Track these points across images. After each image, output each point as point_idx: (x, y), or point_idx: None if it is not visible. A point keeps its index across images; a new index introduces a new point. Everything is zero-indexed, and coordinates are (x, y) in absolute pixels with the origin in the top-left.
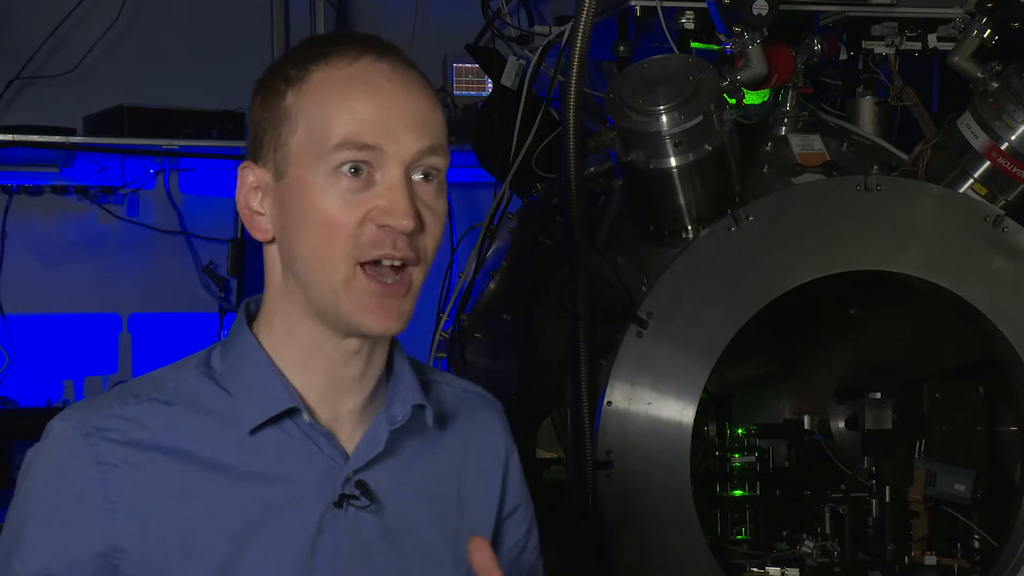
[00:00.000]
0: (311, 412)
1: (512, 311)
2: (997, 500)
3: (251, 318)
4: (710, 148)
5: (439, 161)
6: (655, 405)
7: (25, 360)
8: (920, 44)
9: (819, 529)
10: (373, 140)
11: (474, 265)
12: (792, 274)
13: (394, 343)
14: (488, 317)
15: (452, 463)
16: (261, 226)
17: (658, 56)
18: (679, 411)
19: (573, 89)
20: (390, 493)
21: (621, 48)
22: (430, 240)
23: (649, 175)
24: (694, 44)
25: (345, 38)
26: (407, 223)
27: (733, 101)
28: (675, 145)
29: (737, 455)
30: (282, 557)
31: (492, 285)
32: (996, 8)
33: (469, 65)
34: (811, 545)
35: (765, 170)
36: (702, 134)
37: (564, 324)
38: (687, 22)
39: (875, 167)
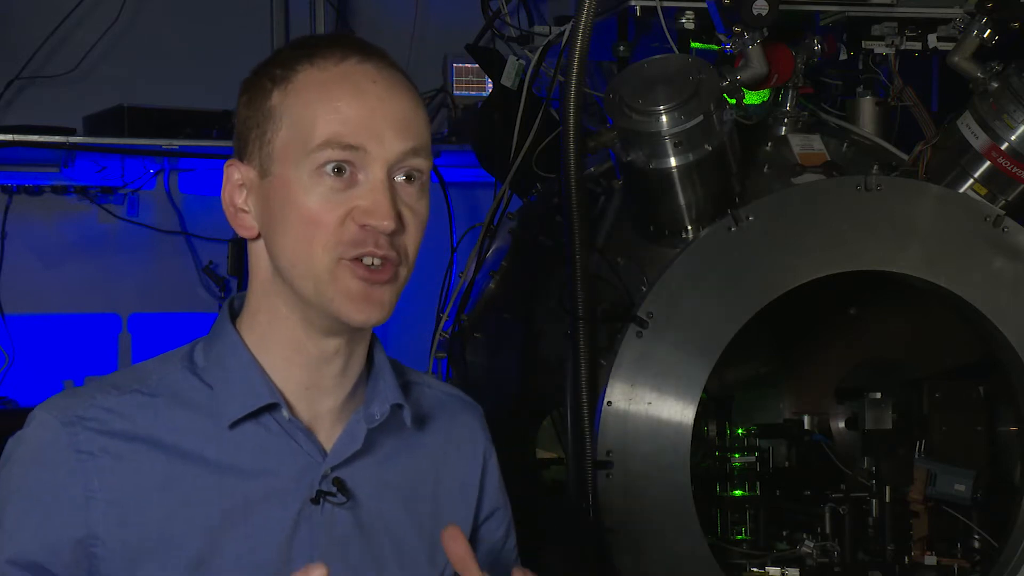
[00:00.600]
0: (291, 408)
1: (512, 311)
2: (997, 500)
3: (234, 314)
4: (710, 148)
5: (422, 163)
6: (655, 405)
7: (25, 360)
8: (920, 44)
9: (819, 529)
10: (357, 140)
11: (474, 265)
12: (792, 274)
13: (375, 342)
14: (488, 317)
15: (430, 464)
16: (246, 223)
17: (658, 56)
18: (679, 411)
19: (573, 89)
20: (367, 491)
21: (621, 48)
22: (411, 241)
23: (649, 175)
24: (694, 44)
25: (331, 39)
26: (388, 223)
27: (733, 101)
28: (675, 145)
29: (737, 455)
30: (259, 550)
31: (492, 285)
32: (996, 8)
33: (469, 65)
34: (811, 545)
35: (765, 170)
36: (702, 134)
37: (564, 324)
38: (687, 22)
39: (875, 167)
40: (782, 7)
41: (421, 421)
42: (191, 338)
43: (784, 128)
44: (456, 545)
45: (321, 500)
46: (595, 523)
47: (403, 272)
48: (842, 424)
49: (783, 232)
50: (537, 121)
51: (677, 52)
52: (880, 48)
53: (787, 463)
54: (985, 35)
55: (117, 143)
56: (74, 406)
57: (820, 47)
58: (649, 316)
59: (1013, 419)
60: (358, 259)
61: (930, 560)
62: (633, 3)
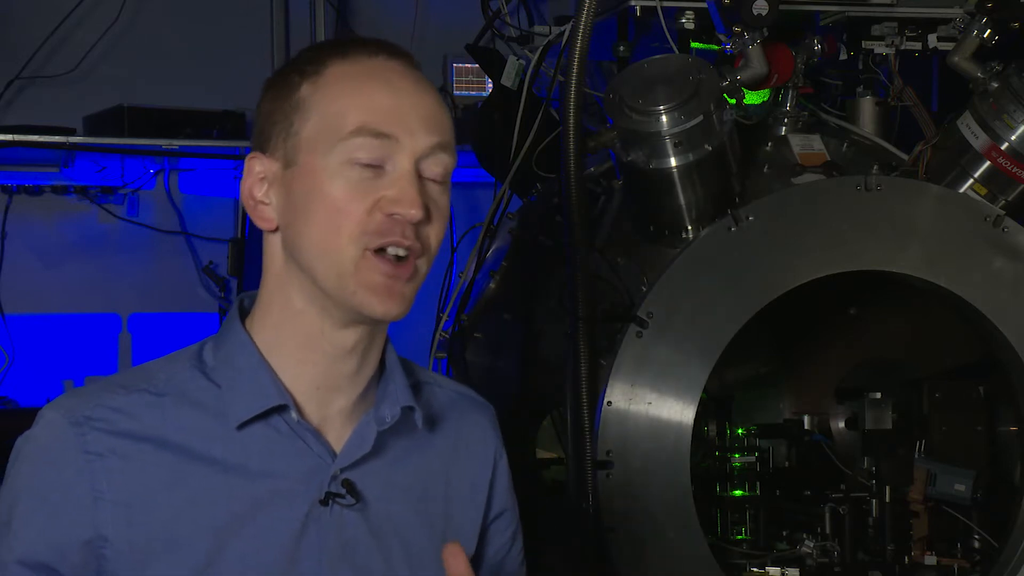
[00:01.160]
0: (300, 409)
1: (512, 311)
2: (997, 500)
3: (244, 313)
4: (710, 148)
5: (447, 159)
6: (655, 405)
7: (25, 360)
8: (920, 44)
9: (819, 529)
10: (388, 128)
11: (474, 265)
12: (792, 274)
13: (387, 343)
14: (488, 317)
15: (440, 464)
16: (265, 215)
17: (658, 56)
18: (679, 411)
19: (573, 89)
20: (376, 493)
21: (621, 48)
22: (434, 234)
23: (649, 175)
24: (694, 44)
25: (360, 39)
26: (415, 212)
27: (733, 101)
28: (675, 145)
29: (737, 455)
30: (266, 552)
31: (492, 285)
32: (996, 8)
33: (469, 65)
34: (811, 545)
35: (765, 170)
36: (702, 134)
37: (564, 324)
38: (687, 22)
39: (875, 167)
40: (782, 7)
41: (432, 422)
42: (191, 338)
43: (784, 128)
44: (456, 562)
45: (330, 502)
46: (595, 523)
47: (423, 266)
48: (842, 424)
49: (783, 232)
50: (537, 121)
51: (677, 52)
52: (880, 48)
53: (787, 463)
54: (985, 35)
55: (117, 143)
56: (81, 406)
57: (820, 47)
58: (649, 316)
59: (1013, 419)
60: (382, 250)
61: (930, 560)
62: (633, 3)
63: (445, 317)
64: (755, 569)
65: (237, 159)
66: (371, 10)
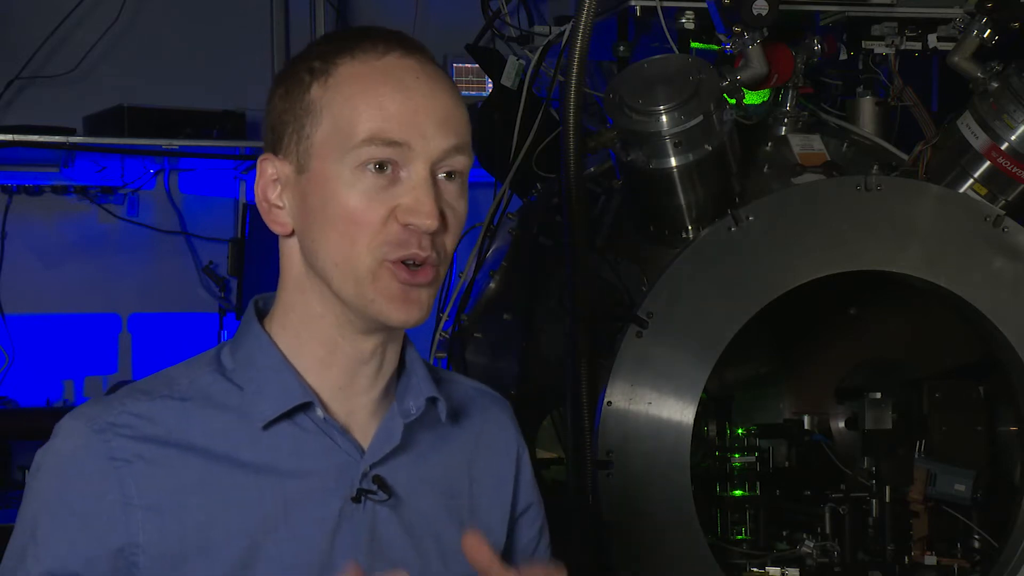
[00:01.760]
0: (324, 407)
1: (512, 311)
2: (997, 500)
3: (260, 314)
4: (710, 148)
5: (463, 161)
6: (655, 405)
7: (25, 360)
8: (920, 44)
9: (819, 529)
10: (401, 136)
11: (474, 265)
12: (792, 274)
13: (406, 340)
14: (488, 317)
15: (464, 459)
16: (280, 219)
17: (658, 56)
18: (679, 411)
19: (573, 89)
20: (406, 488)
21: (621, 48)
22: (450, 240)
23: (649, 175)
24: (694, 44)
25: (372, 32)
26: (432, 222)
27: (733, 101)
28: (675, 145)
29: (737, 455)
30: (300, 552)
31: (492, 285)
32: (996, 8)
33: (469, 65)
34: (811, 545)
35: (765, 170)
36: (702, 134)
37: (564, 324)
38: (687, 22)
39: (875, 167)
40: (782, 7)
41: (455, 415)
42: (191, 338)
43: (784, 128)
44: (479, 553)
45: (362, 498)
46: (595, 523)
47: (442, 271)
48: (842, 424)
49: (783, 232)
50: (537, 121)
51: (677, 52)
52: (880, 48)
53: (787, 463)
54: (985, 35)
55: (117, 143)
56: (104, 414)
57: (820, 47)
58: (649, 316)
59: (1013, 419)
60: (400, 261)
61: (930, 560)
62: (633, 3)
63: (445, 317)
64: (755, 569)
65: (237, 159)
66: (371, 10)
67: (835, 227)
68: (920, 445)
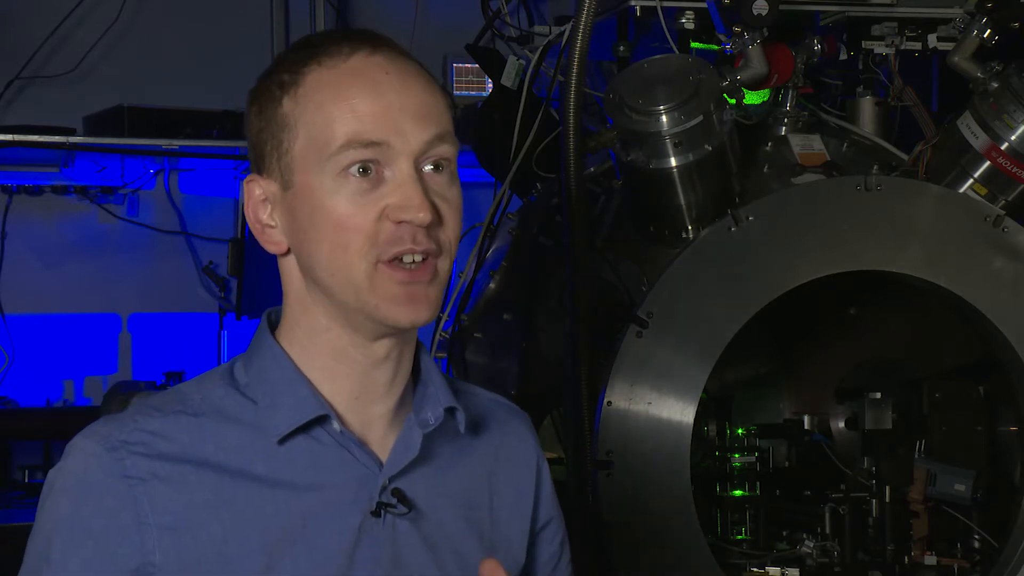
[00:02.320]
0: (340, 419)
1: (512, 311)
2: (997, 500)
3: (272, 327)
4: (710, 148)
5: (447, 150)
6: (655, 405)
7: (25, 360)
8: (920, 44)
9: (819, 529)
10: (378, 136)
11: (474, 265)
12: (792, 274)
13: (420, 347)
14: (488, 317)
15: (484, 472)
16: (274, 239)
17: (658, 56)
18: (679, 411)
19: (573, 89)
20: (426, 501)
21: (621, 48)
22: (450, 231)
23: (649, 175)
24: (694, 44)
25: (335, 35)
26: (424, 215)
27: (733, 101)
28: (675, 145)
29: (737, 455)
30: (319, 567)
31: (492, 285)
32: (996, 8)
33: (469, 65)
34: (811, 545)
35: (765, 170)
36: (702, 134)
37: (564, 324)
38: (687, 22)
39: (875, 167)
40: (782, 7)
41: (474, 427)
42: (191, 338)
43: (784, 128)
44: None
45: (382, 512)
46: (595, 523)
47: (444, 265)
48: (842, 424)
49: (783, 232)
50: (537, 121)
51: (677, 52)
52: (880, 48)
53: (787, 463)
54: (985, 35)
55: (117, 143)
56: (116, 431)
57: (820, 47)
58: (649, 316)
59: (1013, 419)
60: (397, 260)
61: (930, 560)
62: (633, 3)
63: (445, 317)
64: (755, 569)
65: (237, 159)
66: (371, 10)
67: (835, 227)
68: (920, 445)
